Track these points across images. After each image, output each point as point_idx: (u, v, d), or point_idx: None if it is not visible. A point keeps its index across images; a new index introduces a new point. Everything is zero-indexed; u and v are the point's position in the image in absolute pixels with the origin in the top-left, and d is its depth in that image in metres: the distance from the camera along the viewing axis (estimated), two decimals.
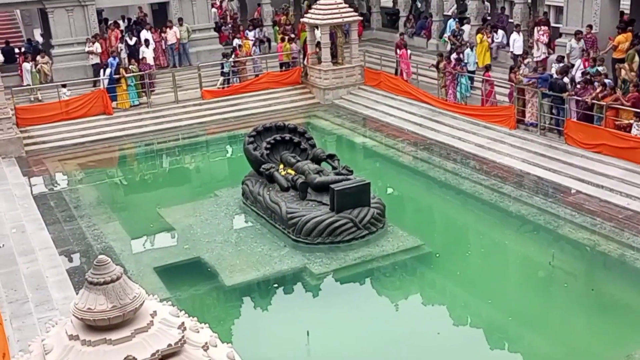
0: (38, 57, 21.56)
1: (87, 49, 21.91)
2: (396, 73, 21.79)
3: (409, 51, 21.76)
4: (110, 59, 20.90)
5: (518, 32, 20.15)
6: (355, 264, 11.78)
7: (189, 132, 20.35)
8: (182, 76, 22.26)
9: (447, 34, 23.20)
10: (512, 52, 20.29)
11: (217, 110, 21.16)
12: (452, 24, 22.83)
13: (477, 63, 19.89)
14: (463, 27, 22.59)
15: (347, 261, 11.82)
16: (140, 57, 21.80)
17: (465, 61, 19.33)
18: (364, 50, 23.34)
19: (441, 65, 19.45)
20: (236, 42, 23.35)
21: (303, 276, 11.65)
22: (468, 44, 20.37)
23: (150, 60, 21.91)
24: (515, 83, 16.83)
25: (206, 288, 11.49)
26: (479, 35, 20.72)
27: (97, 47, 21.80)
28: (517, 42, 20.01)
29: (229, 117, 21.03)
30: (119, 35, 23.18)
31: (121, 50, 22.40)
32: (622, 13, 18.91)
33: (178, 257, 12.32)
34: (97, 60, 21.82)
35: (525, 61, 17.73)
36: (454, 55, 19.55)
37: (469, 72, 19.07)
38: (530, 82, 16.48)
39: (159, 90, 21.84)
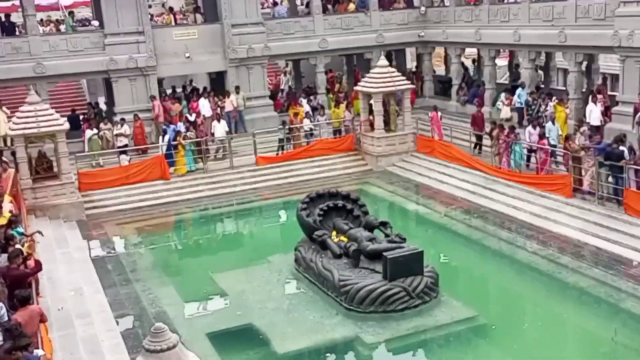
0: (101, 124, 22.45)
1: (115, 131, 22.10)
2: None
3: (439, 113, 22.30)
4: (171, 127, 21.59)
5: (595, 102, 19.59)
6: (408, 334, 11.57)
7: (243, 197, 20.68)
8: (237, 143, 22.77)
9: (500, 101, 23.28)
10: (589, 122, 19.14)
11: (271, 177, 21.49)
12: (522, 94, 22.41)
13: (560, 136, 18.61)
14: (548, 101, 22.49)
15: (399, 331, 11.62)
16: (198, 123, 22.51)
17: (547, 135, 18.17)
18: (417, 118, 23.52)
19: (494, 133, 19.42)
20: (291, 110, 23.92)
21: (355, 346, 11.49)
22: (549, 116, 19.49)
23: (207, 128, 22.57)
24: (571, 151, 16.64)
25: (258, 355, 11.44)
26: (558, 106, 20.24)
27: (125, 129, 22.08)
28: (593, 113, 19.35)
29: (282, 183, 21.32)
30: (179, 106, 24.01)
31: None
32: None
33: (230, 323, 12.34)
34: (125, 141, 22.00)
35: (581, 129, 17.57)
36: (529, 128, 18.62)
37: (551, 145, 17.97)
38: (587, 150, 16.29)
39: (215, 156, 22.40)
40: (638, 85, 18.35)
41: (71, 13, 27.05)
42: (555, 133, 18.39)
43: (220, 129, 22.46)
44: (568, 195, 16.61)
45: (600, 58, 25.18)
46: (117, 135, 22.04)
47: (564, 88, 23.84)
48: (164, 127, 21.94)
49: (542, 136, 17.76)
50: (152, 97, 23.13)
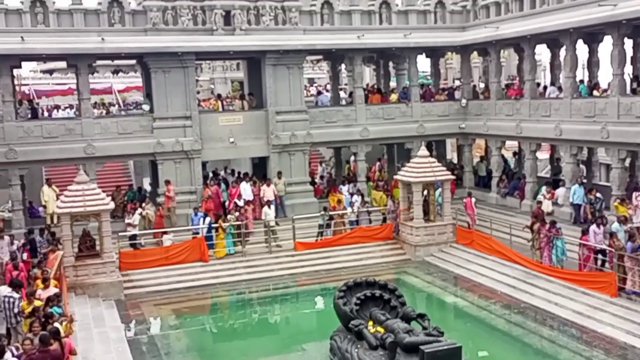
0: (144, 204, 22.93)
1: (126, 220, 22.16)
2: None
3: (473, 199, 22.54)
4: (199, 214, 21.95)
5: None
6: None
7: (280, 282, 20.65)
8: (276, 227, 22.93)
9: (541, 194, 23.14)
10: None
11: (309, 262, 21.50)
12: (579, 190, 21.62)
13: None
14: (558, 191, 22.44)
15: None
16: (241, 205, 22.85)
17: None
18: (456, 209, 23.46)
19: (535, 227, 19.24)
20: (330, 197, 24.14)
21: None
22: (617, 217, 18.65)
23: (249, 213, 22.87)
24: (615, 249, 16.33)
25: None
26: (620, 207, 19.62)
27: (135, 219, 22.08)
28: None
29: (320, 269, 21.27)
30: (219, 190, 24.44)
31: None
32: None
33: None
34: (135, 231, 21.74)
35: (625, 227, 17.28)
36: (594, 227, 17.65)
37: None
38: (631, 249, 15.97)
39: (254, 239, 22.55)
40: None
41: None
42: (623, 234, 17.23)
43: (271, 214, 22.68)
44: (613, 294, 16.18)
45: None
46: (127, 224, 22.04)
47: (607, 184, 23.61)
48: (194, 213, 22.23)
49: (611, 235, 16.85)
50: (167, 182, 23.64)
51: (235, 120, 25.09)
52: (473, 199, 23.07)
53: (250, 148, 25.40)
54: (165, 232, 21.85)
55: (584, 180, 24.24)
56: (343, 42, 25.70)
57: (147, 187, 27.81)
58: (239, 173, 27.40)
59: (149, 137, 23.78)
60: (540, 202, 21.64)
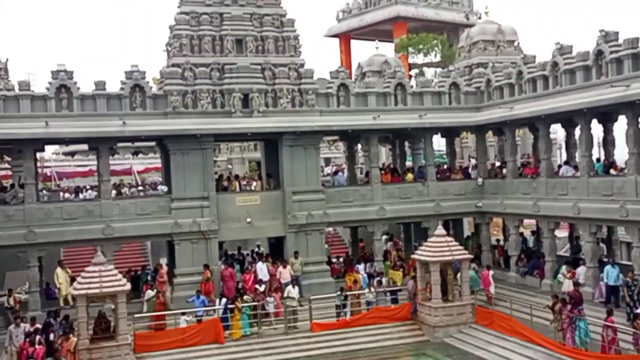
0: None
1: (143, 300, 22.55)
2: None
3: (490, 271, 22.83)
4: (200, 298, 21.86)
5: None
6: None
7: None
8: (293, 308, 22.67)
9: (561, 274, 22.82)
10: None
11: (326, 344, 21.13)
12: (612, 271, 20.93)
13: None
14: (579, 270, 22.14)
15: None
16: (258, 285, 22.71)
17: None
18: (476, 289, 23.12)
19: (557, 307, 18.87)
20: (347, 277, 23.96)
21: None
22: None
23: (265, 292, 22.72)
24: None
25: None
26: None
27: (148, 293, 22.44)
28: None
29: (337, 351, 20.86)
30: (233, 272, 24.35)
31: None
32: None
33: None
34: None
35: None
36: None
37: None
38: None
39: (270, 320, 22.29)
40: None
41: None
42: None
43: (294, 293, 22.50)
44: None
45: None
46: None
47: (629, 262, 23.24)
48: (191, 297, 22.05)
49: (636, 317, 16.53)
50: (159, 266, 23.53)
51: (253, 201, 25.28)
52: (491, 272, 22.69)
53: (267, 228, 25.46)
54: (183, 313, 21.66)
55: (605, 260, 23.86)
56: (359, 123, 26.12)
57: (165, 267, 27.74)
58: (254, 253, 27.37)
59: (167, 217, 24.00)
60: (577, 284, 20.73)
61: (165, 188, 25.64)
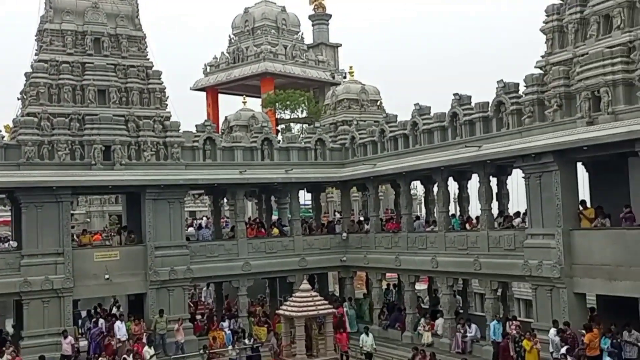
0: (4, 348, 21.08)
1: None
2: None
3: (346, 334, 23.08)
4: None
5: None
6: None
7: None
8: None
9: (421, 325, 23.49)
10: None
11: None
12: (497, 326, 20.86)
13: None
14: (437, 321, 22.86)
15: None
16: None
17: None
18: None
19: (417, 359, 19.30)
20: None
21: None
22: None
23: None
24: None
25: None
26: (526, 342, 18.97)
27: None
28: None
29: None
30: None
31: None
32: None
33: None
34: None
35: None
36: None
37: None
38: None
39: None
40: (550, 313, 18.98)
41: None
42: None
43: (150, 353, 21.64)
44: None
45: (514, 284, 26.19)
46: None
47: (482, 313, 24.33)
48: None
49: None
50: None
51: (112, 256, 24.11)
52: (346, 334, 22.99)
53: (127, 284, 24.27)
54: None
55: (461, 311, 24.85)
56: (225, 177, 25.90)
57: (10, 329, 25.72)
58: (108, 311, 26.02)
59: (15, 275, 22.27)
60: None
61: (14, 243, 23.93)
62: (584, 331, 17.68)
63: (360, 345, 22.72)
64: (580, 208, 19.16)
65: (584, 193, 20.17)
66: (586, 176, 20.93)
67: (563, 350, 17.31)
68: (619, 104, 17.34)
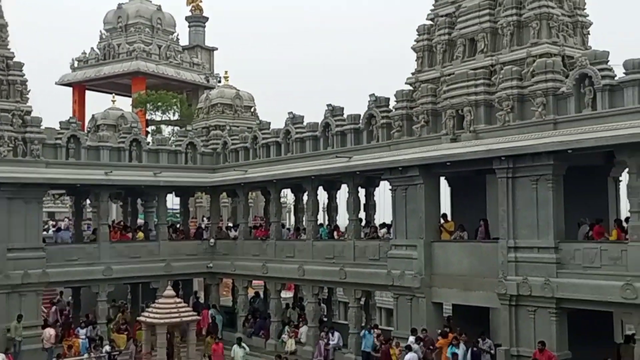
0: None
1: None
2: None
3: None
4: None
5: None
6: None
7: None
8: None
9: (285, 333, 23.55)
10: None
11: None
12: (369, 337, 20.71)
13: None
14: (301, 329, 23.02)
15: None
16: None
17: None
18: (203, 351, 22.79)
19: None
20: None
21: None
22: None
23: None
24: None
25: None
26: (392, 350, 19.22)
27: None
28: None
29: None
30: None
31: None
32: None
33: None
34: None
35: None
36: None
37: None
38: None
39: None
40: (409, 321, 19.65)
41: None
42: None
43: None
44: None
45: (376, 293, 26.92)
46: None
47: (346, 322, 24.76)
48: None
49: None
50: None
51: None
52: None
53: None
54: None
55: (325, 319, 25.17)
56: (89, 178, 24.74)
57: None
58: None
59: None
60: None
61: None
62: (440, 337, 18.44)
63: (232, 357, 22.30)
64: (442, 221, 20.03)
65: (445, 207, 21.10)
66: (448, 191, 21.90)
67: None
68: (480, 123, 18.34)
